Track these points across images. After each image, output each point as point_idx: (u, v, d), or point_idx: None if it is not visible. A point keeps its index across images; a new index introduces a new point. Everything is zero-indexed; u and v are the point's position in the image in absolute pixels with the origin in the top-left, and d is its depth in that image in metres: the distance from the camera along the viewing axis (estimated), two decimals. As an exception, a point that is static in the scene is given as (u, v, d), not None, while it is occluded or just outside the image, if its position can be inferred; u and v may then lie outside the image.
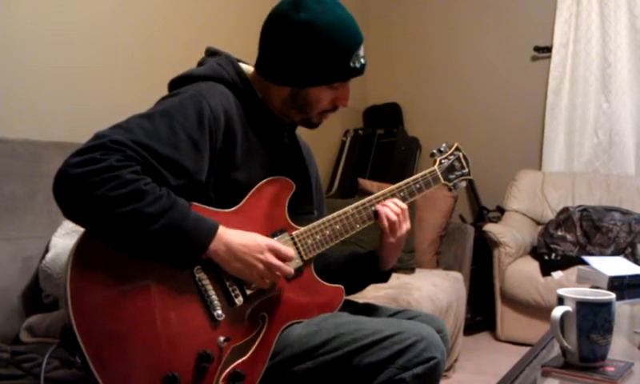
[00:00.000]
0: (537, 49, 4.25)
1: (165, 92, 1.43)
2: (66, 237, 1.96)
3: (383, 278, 1.64)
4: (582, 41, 4.08)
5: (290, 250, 1.36)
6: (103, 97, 2.56)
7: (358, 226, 1.50)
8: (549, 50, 4.19)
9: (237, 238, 1.29)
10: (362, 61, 1.46)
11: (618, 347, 1.42)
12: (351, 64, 1.43)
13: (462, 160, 1.70)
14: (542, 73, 4.22)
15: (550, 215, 3.89)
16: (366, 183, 3.83)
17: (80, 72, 2.48)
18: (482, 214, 4.27)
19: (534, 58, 4.29)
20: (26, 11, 2.27)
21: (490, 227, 3.69)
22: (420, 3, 4.66)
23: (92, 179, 1.14)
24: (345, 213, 1.49)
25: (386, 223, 1.50)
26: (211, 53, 1.54)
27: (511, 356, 2.09)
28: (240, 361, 1.28)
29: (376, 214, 1.51)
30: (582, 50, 4.08)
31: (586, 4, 4.06)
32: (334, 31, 1.40)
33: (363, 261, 1.64)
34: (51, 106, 2.36)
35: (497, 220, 4.08)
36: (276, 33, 1.44)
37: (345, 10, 1.45)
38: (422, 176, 1.61)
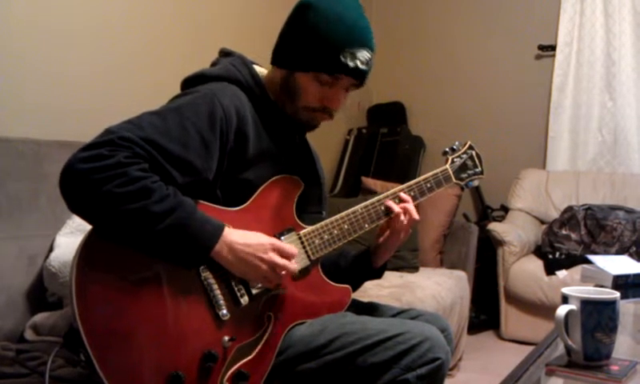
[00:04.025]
0: (541, 47, 4.24)
1: (169, 91, 1.43)
2: (70, 235, 1.96)
3: (377, 274, 1.63)
4: (586, 39, 4.07)
5: (293, 248, 1.35)
6: (106, 95, 2.56)
7: (366, 225, 1.48)
8: (553, 48, 4.18)
9: (239, 238, 1.28)
10: (359, 63, 1.40)
11: (623, 346, 1.41)
12: (342, 58, 1.39)
13: (475, 158, 1.67)
14: (546, 71, 4.21)
15: (555, 214, 3.88)
16: (369, 182, 3.83)
17: (83, 70, 2.48)
18: (485, 213, 4.27)
19: (538, 57, 4.28)
20: (28, 9, 2.27)
21: (493, 226, 3.69)
22: (424, 2, 4.65)
23: (99, 175, 1.14)
24: (353, 212, 1.47)
25: (398, 226, 1.50)
26: (225, 53, 1.54)
27: (515, 355, 2.10)
28: (245, 361, 1.28)
29: (386, 211, 1.50)
30: (587, 48, 4.07)
31: (590, 2, 4.05)
32: (329, 21, 1.39)
33: (357, 259, 1.63)
34: (54, 105, 2.36)
35: (501, 219, 4.07)
36: (288, 16, 1.47)
37: (356, 10, 1.43)
38: (432, 175, 1.59)
